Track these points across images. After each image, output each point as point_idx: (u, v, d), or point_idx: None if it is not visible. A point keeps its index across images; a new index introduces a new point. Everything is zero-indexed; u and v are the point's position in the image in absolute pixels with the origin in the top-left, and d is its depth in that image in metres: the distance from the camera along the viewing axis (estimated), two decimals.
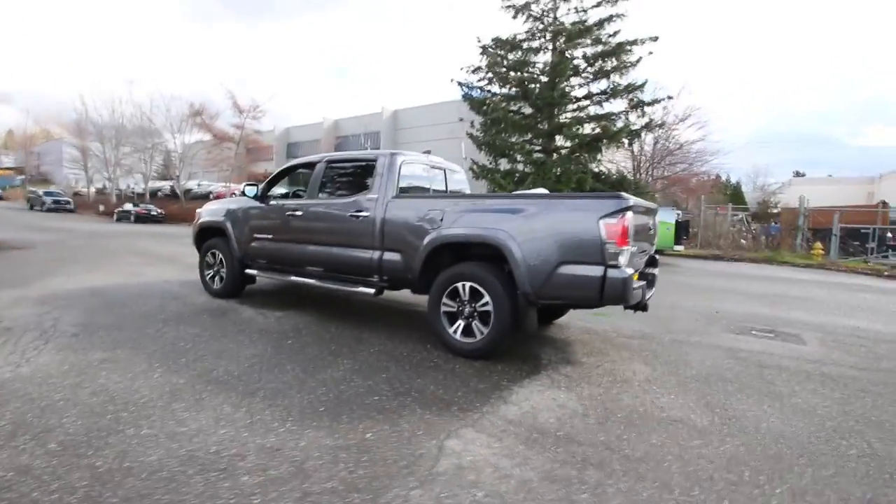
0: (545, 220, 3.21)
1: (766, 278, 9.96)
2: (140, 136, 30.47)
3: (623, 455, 2.20)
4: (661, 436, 2.42)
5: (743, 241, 17.62)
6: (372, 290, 4.10)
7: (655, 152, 24.01)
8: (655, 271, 4.05)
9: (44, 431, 2.23)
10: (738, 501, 1.89)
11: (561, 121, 18.30)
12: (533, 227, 3.23)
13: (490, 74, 19.14)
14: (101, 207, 30.46)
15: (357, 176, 4.53)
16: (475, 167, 18.43)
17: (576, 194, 4.32)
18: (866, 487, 2.04)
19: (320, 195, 4.59)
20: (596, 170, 18.19)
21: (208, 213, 5.70)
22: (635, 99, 17.77)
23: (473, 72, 19.33)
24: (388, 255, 3.97)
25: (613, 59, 17.68)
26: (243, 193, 5.05)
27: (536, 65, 18.77)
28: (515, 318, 3.39)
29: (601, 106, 18.62)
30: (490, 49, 18.94)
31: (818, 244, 13.46)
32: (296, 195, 5.30)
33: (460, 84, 19.76)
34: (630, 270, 3.05)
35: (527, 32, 18.67)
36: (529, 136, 18.72)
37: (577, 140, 17.74)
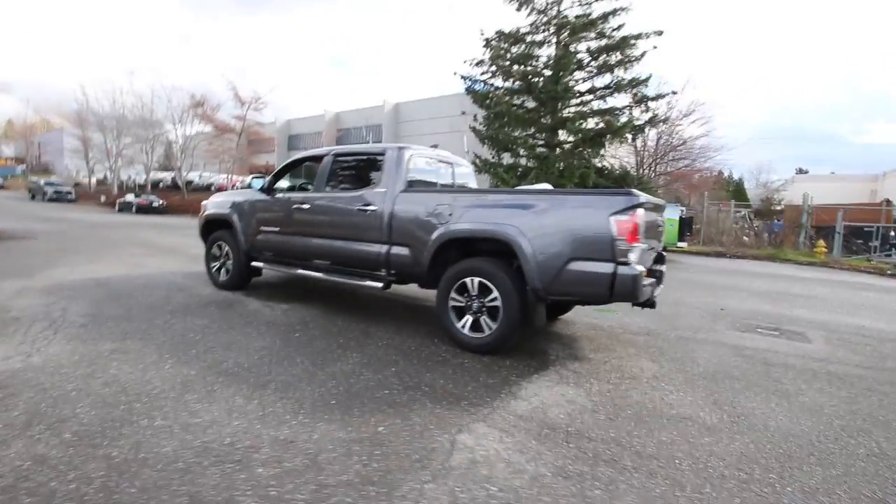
0: (556, 216, 3.21)
1: (769, 275, 9.97)
2: (141, 127, 30.40)
3: (634, 451, 2.22)
4: (671, 433, 2.43)
5: (745, 238, 17.60)
6: (380, 284, 4.10)
7: (659, 148, 23.92)
8: (663, 268, 4.04)
9: (58, 421, 2.25)
10: (749, 500, 1.90)
11: (564, 115, 18.21)
12: (543, 222, 3.23)
13: (493, 68, 19.01)
14: (103, 198, 30.46)
15: (364, 170, 4.52)
16: (478, 161, 18.38)
17: (587, 190, 4.30)
18: (876, 487, 2.06)
19: (327, 188, 4.58)
20: (599, 165, 18.15)
21: (214, 205, 5.69)
22: (639, 94, 17.67)
23: (476, 65, 19.20)
24: (396, 250, 3.97)
25: (617, 54, 17.55)
26: (250, 186, 5.04)
27: (540, 58, 18.63)
28: (524, 314, 3.40)
29: (605, 101, 18.52)
30: (493, 42, 18.80)
31: (821, 242, 13.45)
32: (302, 188, 5.29)
33: (463, 77, 19.65)
34: (640, 268, 3.05)
35: (530, 25, 18.52)
36: (532, 130, 18.64)
37: (580, 135, 17.67)
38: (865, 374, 3.57)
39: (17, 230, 11.29)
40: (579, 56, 17.85)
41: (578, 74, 18.16)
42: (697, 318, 5.21)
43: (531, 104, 18.63)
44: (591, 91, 18.44)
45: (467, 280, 3.55)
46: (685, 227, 11.50)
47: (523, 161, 18.51)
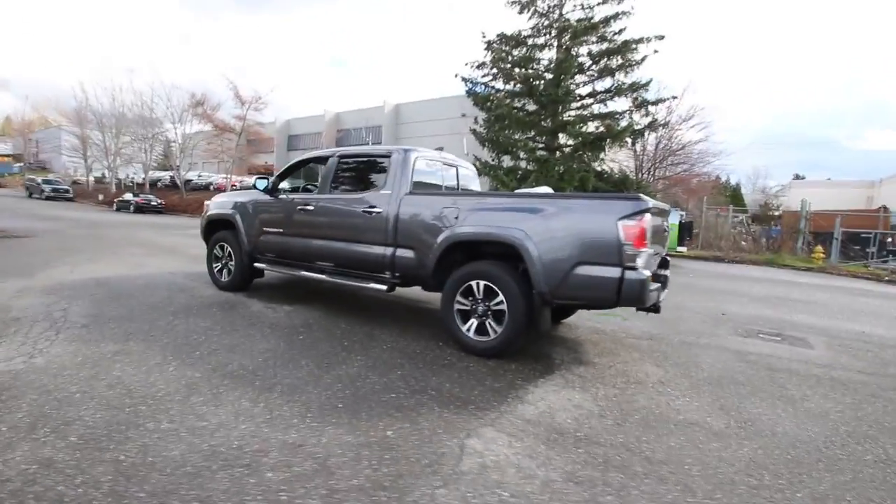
0: (563, 220, 3.21)
1: (768, 281, 10.00)
2: (140, 126, 30.29)
3: (644, 457, 2.21)
4: (680, 438, 2.43)
5: (743, 243, 17.68)
6: (384, 287, 4.09)
7: (658, 152, 24.00)
8: (667, 273, 4.05)
9: (63, 424, 2.23)
10: None
11: (565, 119, 18.28)
12: (550, 226, 3.22)
13: (494, 70, 19.07)
14: (101, 196, 30.32)
15: (370, 171, 4.51)
16: (478, 163, 18.41)
17: (594, 195, 4.31)
18: (885, 493, 2.06)
19: (332, 190, 4.57)
20: (599, 169, 18.20)
21: (217, 205, 5.67)
22: (639, 98, 17.74)
23: (478, 67, 19.26)
24: (401, 252, 3.96)
25: (618, 58, 17.63)
26: (254, 186, 5.02)
27: (541, 61, 18.71)
28: (530, 318, 3.39)
29: (605, 104, 18.60)
30: (495, 45, 18.85)
31: (819, 248, 13.51)
32: (306, 189, 5.28)
33: (464, 79, 19.71)
34: (647, 272, 3.06)
35: (532, 28, 18.60)
36: (533, 133, 18.69)
37: (580, 138, 17.73)
38: (868, 381, 3.58)
39: (16, 228, 11.22)
40: (580, 60, 17.92)
41: (579, 78, 18.23)
42: (699, 323, 5.22)
43: (532, 107, 18.68)
44: (592, 95, 18.51)
45: (473, 283, 3.54)
46: (685, 231, 11.54)
47: (523, 164, 18.54)
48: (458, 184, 4.87)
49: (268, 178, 5.08)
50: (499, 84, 19.32)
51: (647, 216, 3.02)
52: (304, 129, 38.62)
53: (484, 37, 18.93)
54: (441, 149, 4.74)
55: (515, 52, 18.78)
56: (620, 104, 18.28)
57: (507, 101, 18.73)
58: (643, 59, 17.40)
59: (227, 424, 2.30)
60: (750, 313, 6.00)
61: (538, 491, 1.90)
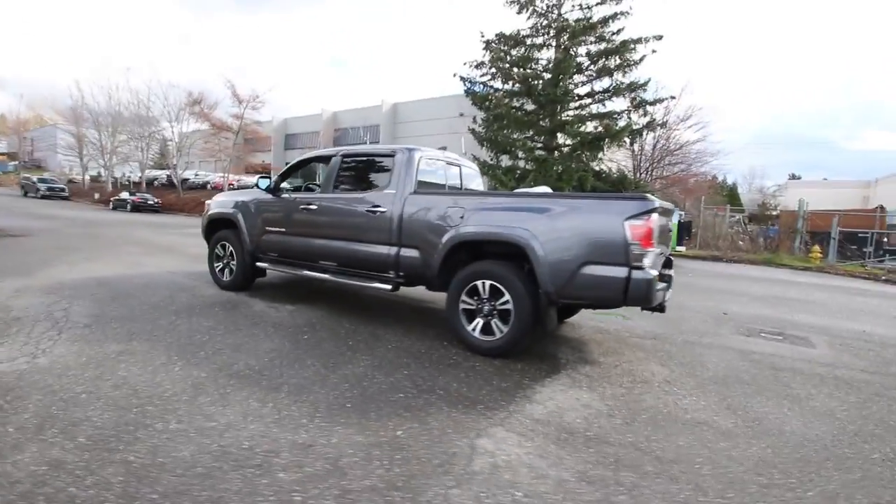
0: (569, 220, 3.20)
1: (766, 280, 10.06)
2: (137, 124, 30.11)
3: (654, 457, 2.22)
4: (689, 437, 2.43)
5: (740, 242, 17.76)
6: (388, 286, 4.07)
7: (655, 152, 24.07)
8: (671, 272, 4.05)
9: (71, 425, 2.21)
10: None
11: (563, 118, 18.30)
12: (557, 226, 3.22)
13: (493, 70, 19.07)
14: (97, 195, 30.14)
15: (373, 171, 4.50)
16: (476, 163, 18.38)
17: (601, 194, 4.31)
18: (894, 492, 2.07)
19: (335, 189, 4.55)
20: (597, 168, 18.23)
21: (218, 204, 5.64)
22: (638, 98, 17.78)
23: (476, 67, 19.25)
24: (406, 252, 3.95)
25: (617, 58, 17.66)
26: (256, 185, 4.99)
27: (540, 61, 18.72)
28: (536, 317, 3.39)
29: (603, 104, 18.63)
30: (493, 44, 18.85)
31: (816, 247, 13.59)
32: (308, 189, 5.26)
33: (463, 79, 19.69)
34: (654, 272, 3.06)
35: (531, 28, 18.60)
36: (531, 132, 18.70)
37: (578, 138, 17.75)
38: (872, 380, 3.60)
39: (12, 227, 11.13)
40: (579, 60, 17.94)
41: (578, 78, 18.26)
42: (701, 323, 5.24)
43: (530, 107, 18.69)
44: (590, 95, 18.54)
45: (478, 283, 3.54)
46: (684, 231, 11.58)
47: (522, 163, 18.55)
48: (461, 183, 4.87)
49: (270, 178, 5.05)
50: (497, 84, 19.32)
51: (655, 216, 3.02)
52: (302, 128, 38.49)
53: (482, 36, 18.93)
54: (444, 148, 4.72)
55: (514, 52, 18.78)
56: (619, 104, 18.32)
57: (506, 100, 18.73)
58: (641, 59, 17.43)
59: (236, 425, 2.29)
60: (751, 312, 6.02)
61: (551, 490, 1.90)
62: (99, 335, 3.56)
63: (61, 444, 2.03)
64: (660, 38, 17.21)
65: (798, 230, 15.18)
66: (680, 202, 22.89)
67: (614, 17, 17.56)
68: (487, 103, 18.88)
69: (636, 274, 2.99)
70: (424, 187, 4.17)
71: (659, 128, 18.64)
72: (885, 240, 15.02)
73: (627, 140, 18.69)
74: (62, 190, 30.58)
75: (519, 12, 18.58)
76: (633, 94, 17.73)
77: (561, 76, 17.66)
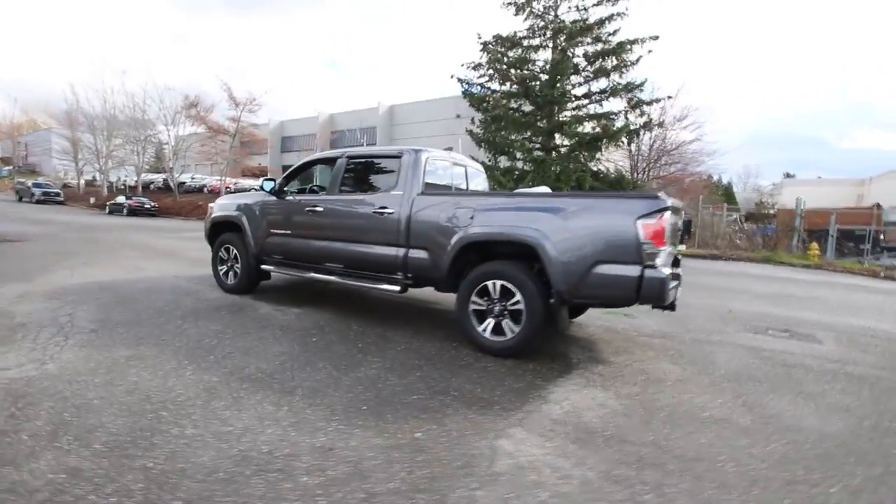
0: (581, 219, 3.19)
1: (767, 278, 10.09)
2: (133, 128, 29.93)
3: (676, 455, 2.20)
4: (708, 435, 2.42)
5: (738, 241, 17.83)
6: (397, 288, 4.05)
7: (652, 152, 24.17)
8: (679, 271, 4.05)
9: (86, 431, 2.17)
10: (799, 501, 1.89)
11: (561, 119, 18.36)
12: (568, 226, 3.21)
13: (490, 71, 19.12)
14: (92, 200, 29.96)
15: (380, 172, 4.48)
16: None
17: (613, 193, 4.30)
18: None
19: (341, 191, 4.53)
20: (595, 169, 18.29)
21: (221, 207, 5.60)
22: (635, 98, 17.87)
23: (474, 68, 19.32)
24: (414, 253, 3.93)
25: (613, 58, 17.77)
26: (261, 188, 4.96)
27: (537, 62, 18.81)
28: (547, 317, 3.38)
29: (600, 105, 18.72)
30: (491, 46, 18.92)
31: (814, 245, 13.66)
32: (312, 191, 5.23)
33: (460, 80, 19.75)
34: (667, 270, 3.06)
35: (528, 30, 18.70)
36: (529, 133, 18.76)
37: (576, 139, 17.81)
38: (883, 375, 3.61)
39: (9, 232, 11.03)
40: (576, 60, 18.03)
41: (575, 79, 18.35)
42: (708, 321, 5.24)
43: (528, 108, 18.75)
44: (588, 95, 18.63)
45: (489, 283, 3.52)
46: (684, 229, 11.59)
47: (520, 164, 18.60)
48: (467, 184, 4.85)
49: (274, 180, 5.02)
50: (495, 85, 19.40)
51: (667, 214, 3.02)
52: (298, 130, 38.42)
53: (480, 38, 18.99)
54: (450, 149, 4.71)
55: (511, 54, 18.86)
56: (615, 104, 18.41)
57: (504, 101, 18.79)
58: (638, 60, 17.56)
59: (253, 429, 2.26)
60: (755, 310, 6.03)
61: (577, 491, 1.88)
62: (106, 340, 3.52)
63: (77, 452, 2.00)
64: (656, 38, 17.33)
65: (796, 228, 15.26)
66: None
67: (611, 18, 17.67)
68: (485, 105, 18.94)
69: (649, 273, 2.99)
70: (431, 188, 4.15)
71: (656, 127, 18.71)
72: (882, 237, 15.13)
73: (625, 140, 18.78)
74: (57, 195, 30.37)
75: (516, 14, 18.65)
76: (629, 95, 17.84)
77: (558, 77, 17.73)
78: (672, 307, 3.67)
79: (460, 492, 1.84)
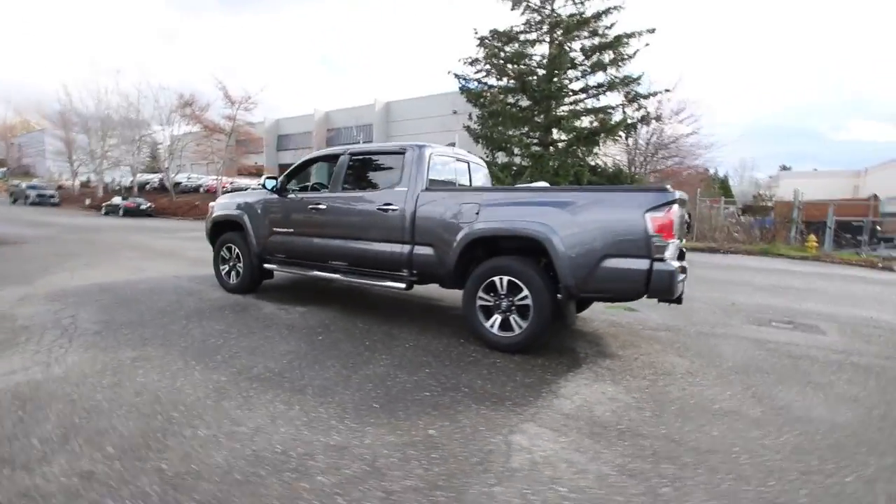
0: (589, 213, 3.18)
1: (766, 270, 10.12)
2: (127, 128, 29.69)
3: (690, 448, 2.21)
4: (721, 427, 2.43)
5: (735, 234, 17.88)
6: (402, 285, 4.04)
7: (649, 146, 24.16)
8: (685, 264, 4.05)
9: (97, 434, 2.15)
10: (815, 491, 1.90)
11: (558, 114, 18.32)
12: (576, 220, 3.20)
13: (487, 66, 19.05)
14: (88, 201, 29.76)
15: (383, 169, 4.45)
16: None
17: (621, 187, 4.29)
18: None
19: (344, 188, 4.50)
20: (592, 163, 18.28)
21: (222, 206, 5.56)
22: (632, 92, 17.84)
23: (471, 64, 19.23)
24: (420, 249, 3.91)
25: (610, 52, 17.73)
26: (263, 186, 4.93)
27: (534, 57, 18.74)
28: (555, 312, 3.37)
29: (598, 99, 18.68)
30: (487, 41, 18.84)
31: (812, 237, 13.71)
32: (314, 189, 5.20)
33: (457, 76, 19.66)
34: (676, 263, 3.05)
35: (524, 24, 18.62)
36: (527, 128, 18.72)
37: (574, 133, 17.79)
38: (887, 365, 3.62)
39: (6, 235, 10.95)
40: (573, 55, 17.97)
41: (572, 73, 18.30)
42: (711, 314, 5.25)
43: (525, 103, 18.70)
44: (585, 90, 18.58)
45: (496, 279, 3.51)
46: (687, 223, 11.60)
47: (517, 160, 18.56)
48: (470, 179, 4.84)
49: (276, 178, 4.99)
50: (492, 80, 19.32)
51: (675, 207, 3.01)
52: (294, 128, 38.23)
53: (476, 33, 18.91)
54: (453, 144, 4.69)
55: (508, 48, 18.79)
56: (613, 98, 18.37)
57: (501, 97, 18.72)
58: (635, 54, 17.52)
59: (266, 428, 2.25)
60: (757, 302, 6.05)
61: (594, 485, 1.88)
62: (111, 341, 3.50)
63: (90, 455, 1.98)
64: (652, 31, 17.29)
65: (794, 220, 15.32)
66: None
67: (607, 11, 17.61)
68: (482, 100, 18.87)
69: (658, 266, 2.98)
70: (435, 184, 4.13)
71: (654, 121, 18.69)
72: (879, 228, 15.20)
73: (622, 134, 18.77)
74: (52, 196, 30.16)
75: (513, 8, 18.56)
76: (627, 89, 17.80)
77: (555, 71, 17.69)
78: (679, 300, 3.66)
79: (478, 488, 1.83)
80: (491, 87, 19.22)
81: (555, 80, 17.76)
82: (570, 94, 18.56)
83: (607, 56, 17.73)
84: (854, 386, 3.14)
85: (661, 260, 3.00)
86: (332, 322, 4.26)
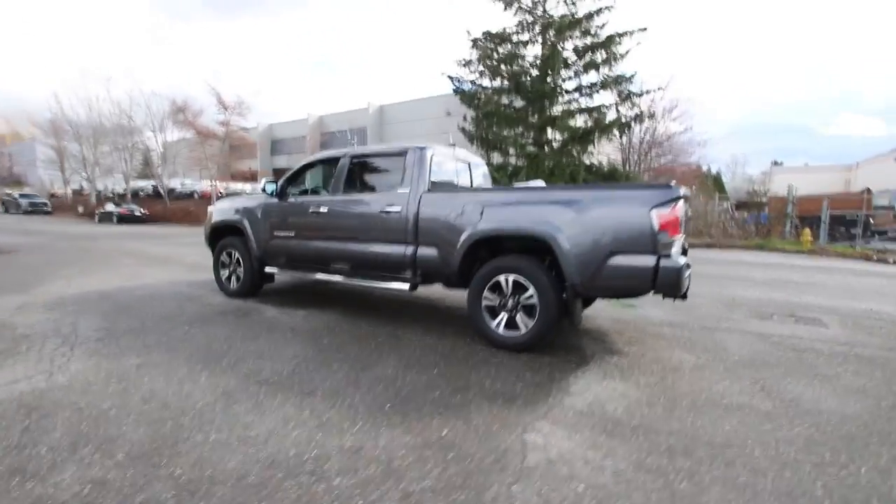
0: (594, 211, 3.18)
1: (763, 265, 10.19)
2: (120, 135, 29.45)
3: (705, 442, 2.21)
4: (733, 421, 2.43)
5: (729, 229, 18.00)
6: (406, 286, 4.02)
7: (643, 144, 24.32)
8: (688, 259, 4.06)
9: (106, 442, 2.12)
10: (831, 483, 1.90)
11: (552, 114, 18.37)
12: (581, 218, 3.20)
13: (481, 68, 19.07)
14: (81, 209, 29.47)
15: (384, 171, 4.44)
16: None
17: (626, 184, 4.31)
18: None
19: (345, 191, 4.48)
20: (587, 162, 18.34)
21: (221, 211, 5.53)
22: (625, 91, 17.92)
23: (464, 65, 19.24)
24: (423, 250, 3.90)
25: (603, 51, 17.79)
26: (263, 190, 4.90)
27: (527, 57, 18.77)
28: (561, 310, 3.37)
29: (591, 98, 18.73)
30: (480, 42, 18.86)
31: (807, 231, 13.83)
32: (314, 192, 5.18)
33: (451, 78, 19.66)
34: (683, 259, 3.06)
35: (517, 25, 18.64)
36: (521, 129, 18.75)
37: (568, 133, 17.85)
38: (891, 356, 3.65)
39: (1, 244, 10.81)
40: (565, 55, 18.03)
41: (565, 73, 18.35)
42: (713, 308, 5.27)
43: (519, 103, 18.73)
44: (578, 89, 18.62)
45: (501, 278, 3.51)
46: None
47: (513, 160, 18.58)
48: (471, 180, 4.83)
49: (276, 182, 4.96)
50: (486, 81, 19.32)
51: (681, 203, 3.02)
52: (288, 133, 38.13)
53: (469, 35, 18.92)
54: (453, 145, 4.68)
55: (501, 49, 18.81)
56: (606, 98, 18.44)
57: (495, 97, 18.76)
58: (627, 53, 17.59)
59: (278, 432, 2.23)
60: (757, 296, 6.09)
61: (612, 482, 1.88)
62: (114, 349, 3.46)
63: (101, 463, 1.95)
64: (644, 30, 17.37)
65: (788, 215, 15.44)
66: None
67: (599, 11, 17.68)
68: (476, 101, 18.89)
69: (665, 262, 2.99)
70: (437, 185, 4.13)
71: (647, 119, 18.78)
72: (872, 221, 15.36)
73: (616, 133, 18.84)
74: (45, 205, 29.89)
75: (505, 9, 18.60)
76: (620, 88, 17.87)
77: (549, 72, 17.75)
78: (684, 296, 3.68)
79: (496, 488, 1.82)
80: (485, 88, 19.23)
81: (548, 80, 17.81)
82: (564, 93, 18.61)
83: (600, 56, 17.79)
84: (860, 377, 3.15)
85: (668, 256, 3.01)
86: (336, 324, 4.23)
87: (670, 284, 3.01)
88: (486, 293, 3.60)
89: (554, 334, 3.62)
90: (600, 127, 17.62)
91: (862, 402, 2.74)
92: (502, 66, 18.71)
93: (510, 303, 3.50)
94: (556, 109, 18.60)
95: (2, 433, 2.18)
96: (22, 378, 2.86)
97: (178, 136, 29.62)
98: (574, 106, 18.64)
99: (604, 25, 17.75)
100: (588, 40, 17.91)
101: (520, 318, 3.47)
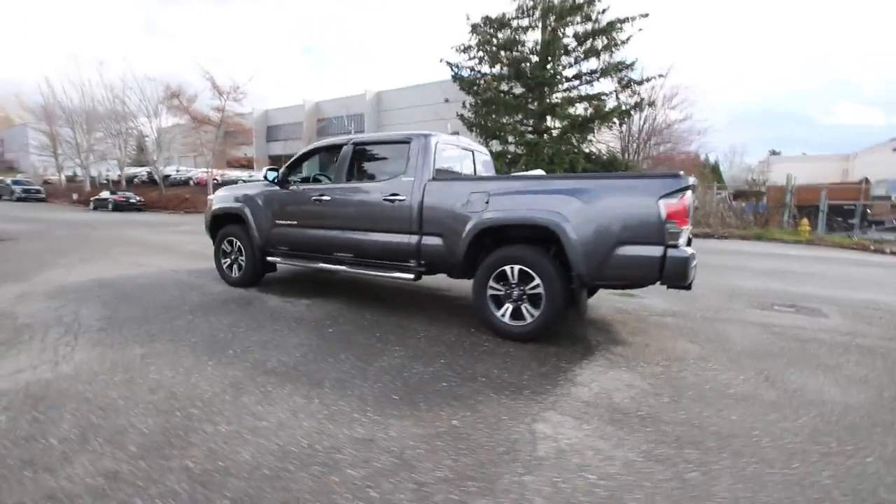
0: (602, 200, 3.17)
1: (761, 254, 10.23)
2: (114, 120, 29.02)
3: (712, 432, 2.23)
4: (739, 412, 2.45)
5: (727, 218, 18.02)
6: (410, 276, 4.01)
7: (643, 133, 24.20)
8: (693, 250, 4.07)
9: (116, 433, 2.12)
10: (839, 473, 1.93)
11: (552, 101, 18.21)
12: (588, 208, 3.18)
13: (480, 53, 18.82)
14: (75, 196, 29.17)
15: (388, 159, 4.39)
16: None
17: (634, 173, 4.27)
18: None
19: (348, 179, 4.44)
20: (587, 150, 18.25)
21: (222, 199, 5.47)
22: (626, 78, 17.77)
23: (463, 51, 19.00)
24: (428, 240, 3.88)
25: (604, 38, 17.59)
26: (265, 177, 4.85)
27: (527, 44, 18.53)
28: (567, 300, 3.37)
29: (591, 85, 18.57)
30: (480, 28, 18.59)
31: (805, 221, 13.87)
32: (316, 179, 5.13)
33: (449, 64, 19.42)
34: (690, 250, 3.06)
35: (517, 10, 18.38)
36: (521, 116, 18.60)
37: (568, 120, 17.72)
38: (892, 346, 3.68)
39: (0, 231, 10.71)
40: (566, 41, 17.81)
41: (565, 59, 18.15)
42: (714, 299, 5.30)
43: (519, 90, 18.55)
44: (578, 76, 18.45)
45: (507, 268, 3.50)
46: None
47: (512, 148, 18.47)
48: (475, 168, 4.79)
49: (277, 169, 4.90)
50: (485, 68, 19.11)
51: (689, 193, 3.01)
52: (284, 119, 37.67)
53: (468, 20, 18.64)
54: (457, 133, 4.63)
55: (501, 35, 18.56)
56: (606, 85, 18.28)
57: (495, 84, 18.55)
58: (628, 39, 17.41)
59: (288, 423, 2.23)
60: (757, 286, 6.12)
61: (622, 472, 1.89)
62: (117, 338, 3.44)
63: (112, 454, 1.95)
64: (646, 15, 17.17)
65: (786, 204, 15.47)
66: None
67: None
68: (476, 88, 18.69)
69: (672, 252, 2.99)
70: (441, 173, 4.09)
71: (648, 107, 18.66)
72: (870, 211, 15.42)
73: (616, 121, 18.72)
74: (38, 192, 29.57)
75: None
76: (620, 75, 17.71)
77: (549, 58, 17.54)
78: (689, 287, 3.68)
79: (508, 478, 1.84)
80: (484, 74, 19.01)
81: (548, 66, 17.62)
82: (564, 80, 18.43)
83: (600, 42, 17.59)
84: (862, 367, 3.18)
85: (675, 246, 3.00)
86: (340, 314, 4.23)
87: (677, 275, 3.01)
88: (491, 283, 3.59)
89: (560, 324, 3.62)
90: (600, 115, 17.50)
91: (865, 392, 2.77)
92: (502, 53, 18.48)
93: (516, 292, 3.49)
94: (556, 97, 18.45)
95: (10, 424, 2.18)
96: (27, 368, 2.85)
97: (172, 122, 29.24)
98: (574, 93, 18.49)
99: (605, 11, 17.52)
100: (589, 26, 17.68)
101: (525, 307, 3.47)
